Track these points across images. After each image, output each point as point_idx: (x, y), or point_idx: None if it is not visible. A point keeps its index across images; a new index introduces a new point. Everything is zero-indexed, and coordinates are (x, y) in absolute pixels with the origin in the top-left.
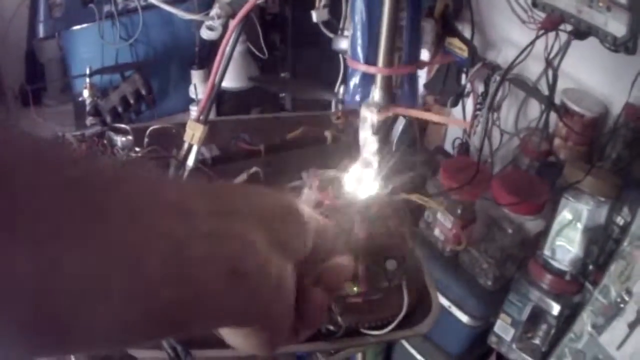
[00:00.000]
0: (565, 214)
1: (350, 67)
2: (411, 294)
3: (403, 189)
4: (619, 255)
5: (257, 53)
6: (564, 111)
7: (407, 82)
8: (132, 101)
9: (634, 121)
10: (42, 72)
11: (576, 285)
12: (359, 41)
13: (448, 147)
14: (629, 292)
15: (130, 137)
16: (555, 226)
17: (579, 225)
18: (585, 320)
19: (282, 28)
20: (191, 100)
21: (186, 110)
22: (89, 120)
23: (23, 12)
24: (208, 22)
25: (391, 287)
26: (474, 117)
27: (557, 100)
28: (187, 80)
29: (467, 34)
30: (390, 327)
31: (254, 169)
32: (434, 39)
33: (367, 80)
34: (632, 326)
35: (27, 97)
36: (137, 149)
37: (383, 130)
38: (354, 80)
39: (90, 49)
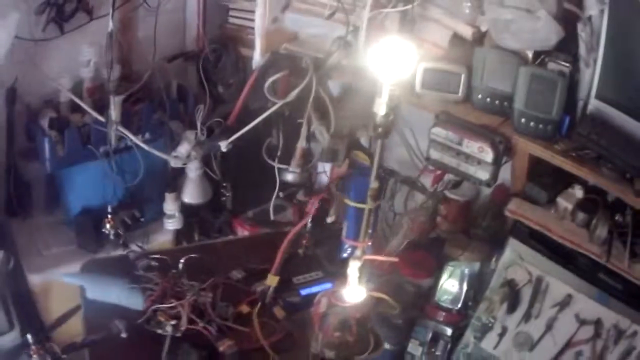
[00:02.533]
0: (447, 274)
1: (344, 242)
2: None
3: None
4: (484, 299)
5: (212, 174)
6: (443, 197)
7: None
8: (129, 222)
9: (500, 198)
10: (27, 187)
11: (461, 316)
12: (350, 230)
13: None
14: (494, 317)
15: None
16: (442, 282)
17: (459, 280)
18: (469, 335)
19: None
20: (164, 214)
21: (160, 219)
22: (128, 251)
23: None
24: (174, 153)
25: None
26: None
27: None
28: (162, 197)
29: None
30: (366, 354)
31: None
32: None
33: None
34: (501, 335)
35: (13, 208)
36: (173, 270)
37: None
38: (346, 246)
39: (88, 179)
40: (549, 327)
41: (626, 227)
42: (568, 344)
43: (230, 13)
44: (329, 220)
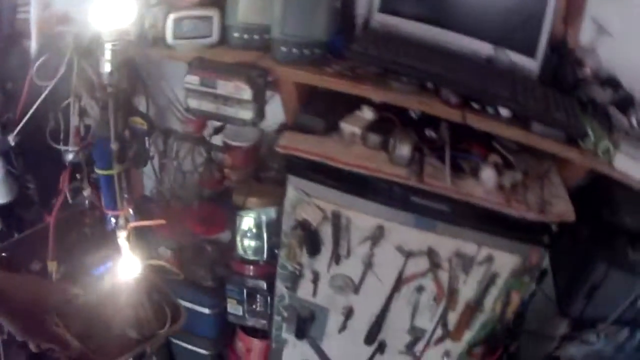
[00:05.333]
0: (242, 225)
1: (106, 212)
2: (169, 309)
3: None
4: (282, 245)
5: (11, 169)
6: (226, 147)
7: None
8: None
9: None
10: None
11: (271, 266)
12: (108, 200)
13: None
14: (299, 264)
15: None
16: (239, 234)
17: (257, 228)
18: (280, 286)
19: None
20: None
21: None
22: None
23: None
24: None
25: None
26: (161, 168)
27: (219, 139)
28: None
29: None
30: (166, 328)
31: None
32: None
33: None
34: (314, 281)
35: None
36: None
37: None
38: (109, 217)
39: None
40: (367, 264)
41: (442, 141)
42: (399, 281)
43: (18, 9)
44: (85, 194)
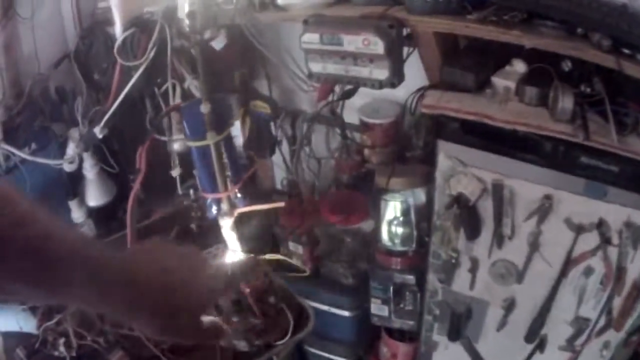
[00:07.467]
0: (387, 211)
1: (205, 196)
2: (292, 313)
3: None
4: (434, 228)
5: (108, 169)
6: (364, 125)
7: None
8: None
9: None
10: None
11: (420, 256)
12: (204, 180)
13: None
14: (455, 250)
15: None
16: (383, 222)
17: (404, 213)
18: (432, 279)
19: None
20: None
21: None
22: None
23: None
24: (66, 157)
25: (278, 314)
26: (292, 156)
27: (355, 118)
28: (67, 208)
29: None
30: (286, 338)
31: None
32: (240, 108)
33: (215, 199)
34: (472, 270)
35: None
36: None
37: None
38: (209, 202)
39: None
40: (533, 246)
41: (600, 94)
42: (568, 262)
43: None
44: (174, 173)
